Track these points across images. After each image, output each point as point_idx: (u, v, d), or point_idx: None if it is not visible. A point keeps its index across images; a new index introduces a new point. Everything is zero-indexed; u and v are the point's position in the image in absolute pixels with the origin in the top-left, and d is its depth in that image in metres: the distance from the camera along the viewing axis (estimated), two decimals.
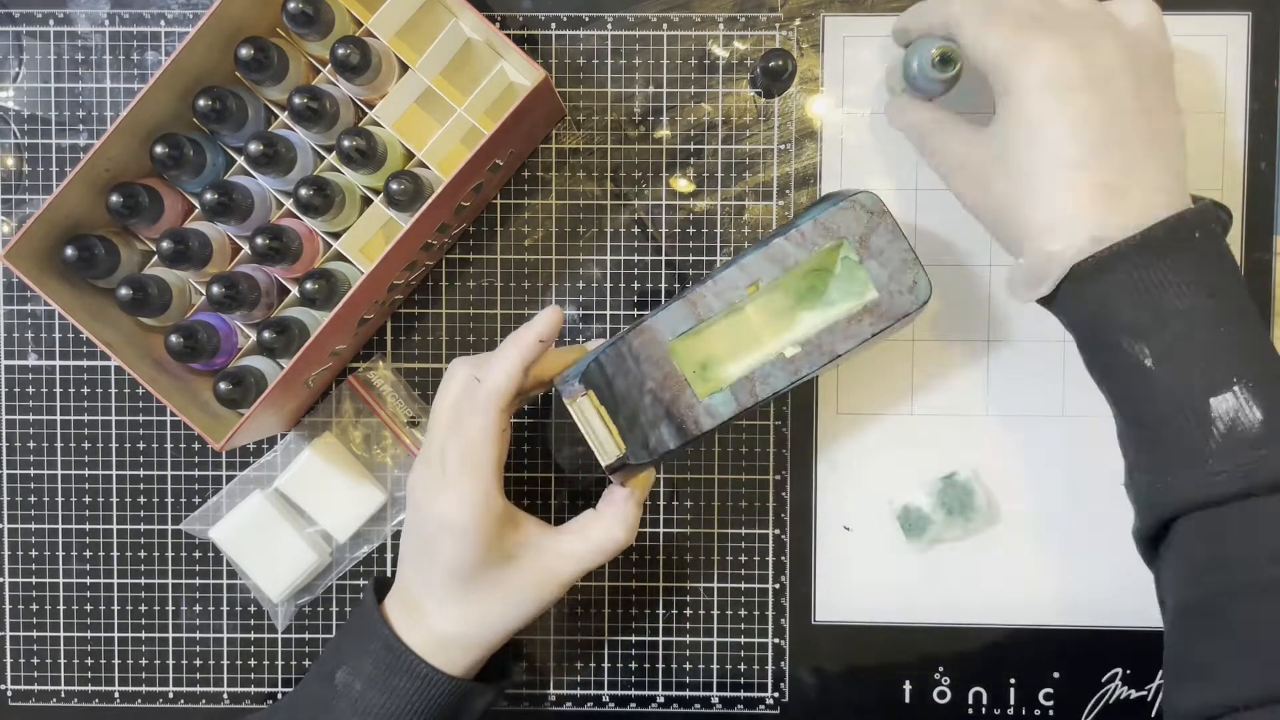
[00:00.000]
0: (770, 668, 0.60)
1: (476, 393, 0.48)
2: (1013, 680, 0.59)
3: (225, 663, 0.61)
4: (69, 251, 0.50)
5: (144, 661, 0.61)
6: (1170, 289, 0.41)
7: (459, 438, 0.48)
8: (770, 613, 0.60)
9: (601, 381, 0.48)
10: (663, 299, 0.60)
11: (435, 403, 0.50)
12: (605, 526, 0.49)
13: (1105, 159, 0.43)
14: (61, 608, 0.61)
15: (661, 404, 0.48)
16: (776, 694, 0.60)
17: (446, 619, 0.49)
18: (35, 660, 0.61)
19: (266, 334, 0.51)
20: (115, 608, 0.61)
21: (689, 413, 0.48)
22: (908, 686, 0.60)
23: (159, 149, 0.50)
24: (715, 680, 0.60)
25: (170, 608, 0.61)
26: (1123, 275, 0.42)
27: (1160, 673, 0.60)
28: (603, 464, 0.48)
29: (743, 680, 0.60)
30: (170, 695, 0.61)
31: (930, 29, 0.49)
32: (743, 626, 0.60)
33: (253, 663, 0.61)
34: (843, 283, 0.50)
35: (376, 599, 0.51)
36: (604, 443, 0.48)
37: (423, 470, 0.49)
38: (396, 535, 0.61)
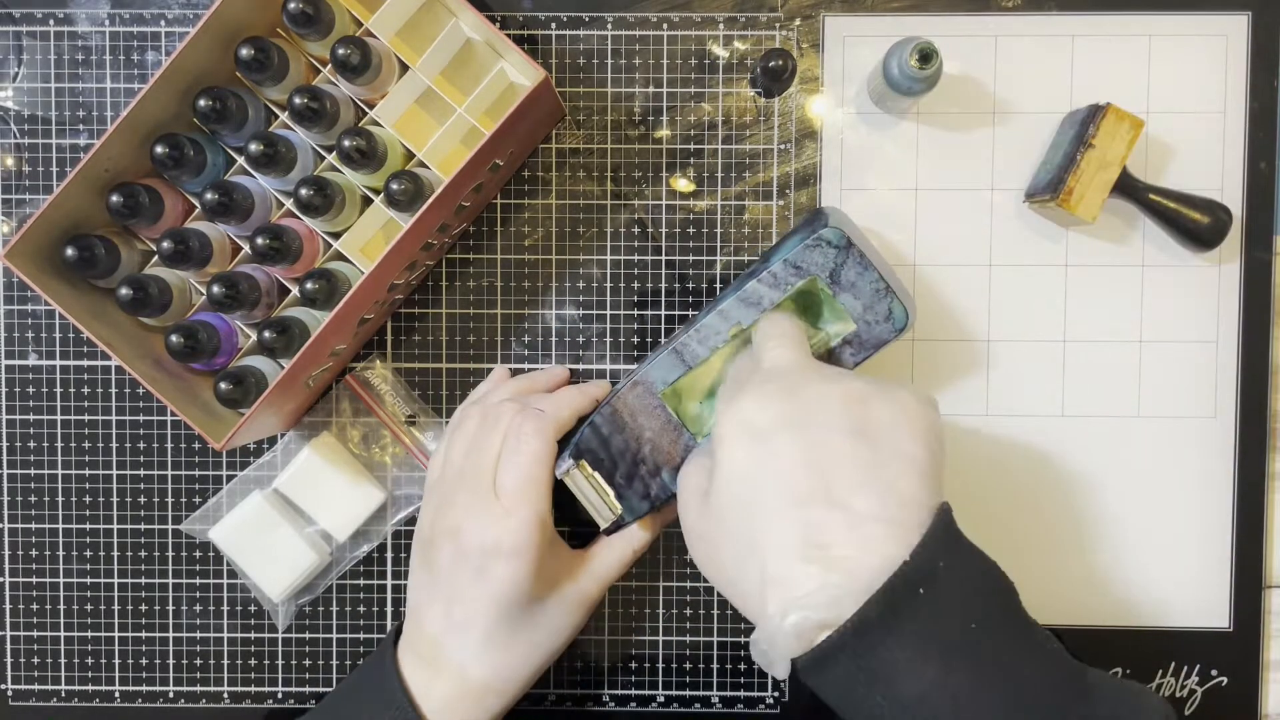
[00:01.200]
0: None
1: (540, 419, 0.49)
2: None
3: (225, 663, 0.61)
4: (69, 251, 0.50)
5: (144, 661, 0.61)
6: (902, 671, 0.35)
7: (516, 461, 0.48)
8: None
9: (597, 443, 0.49)
10: (662, 298, 0.60)
11: (477, 437, 0.51)
12: (626, 535, 0.51)
13: (805, 508, 0.38)
14: (61, 608, 0.61)
15: (661, 451, 0.49)
16: (776, 694, 0.60)
17: (484, 664, 0.47)
18: (35, 660, 0.61)
19: (266, 334, 0.51)
20: (115, 607, 0.61)
21: (688, 454, 0.49)
22: None
23: (159, 149, 0.50)
24: (715, 680, 0.60)
25: (170, 607, 0.61)
26: (846, 667, 0.36)
27: (1160, 672, 0.60)
28: (601, 528, 0.50)
29: (743, 680, 0.60)
30: (170, 695, 0.61)
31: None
32: (743, 626, 0.60)
33: (253, 663, 0.61)
34: (830, 307, 0.50)
35: (393, 643, 0.49)
36: (599, 509, 0.49)
37: (467, 499, 0.48)
38: (396, 535, 0.61)
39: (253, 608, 0.61)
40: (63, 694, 0.61)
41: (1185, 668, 0.60)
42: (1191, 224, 0.57)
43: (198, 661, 0.61)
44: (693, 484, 0.45)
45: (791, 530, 0.38)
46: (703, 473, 0.44)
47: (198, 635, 0.61)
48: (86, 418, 0.60)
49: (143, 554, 0.60)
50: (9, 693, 0.61)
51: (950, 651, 0.35)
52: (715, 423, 0.43)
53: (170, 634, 0.61)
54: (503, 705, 0.48)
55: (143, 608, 0.61)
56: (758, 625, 0.39)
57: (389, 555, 0.61)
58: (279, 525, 0.58)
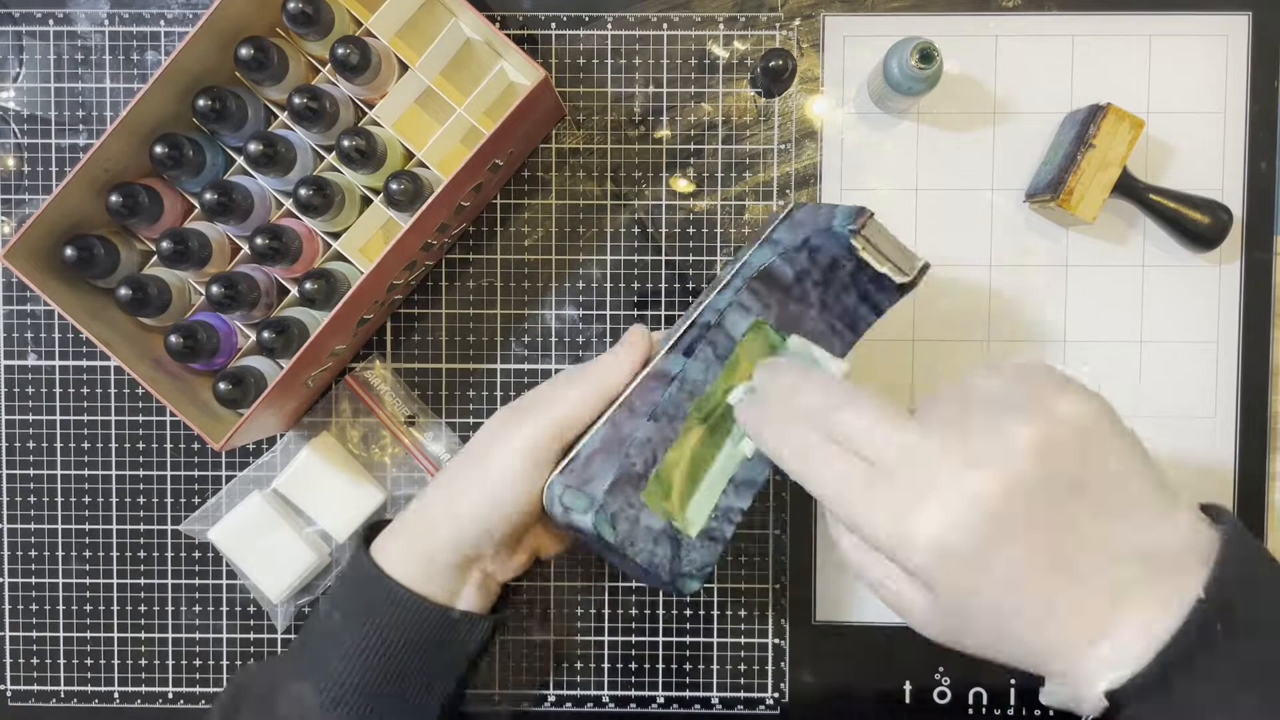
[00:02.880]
0: (770, 668, 0.60)
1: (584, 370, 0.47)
2: (1012, 680, 0.59)
3: (225, 663, 0.61)
4: (69, 251, 0.50)
5: (144, 661, 0.61)
6: (1211, 711, 0.33)
7: (550, 394, 0.47)
8: (770, 613, 0.60)
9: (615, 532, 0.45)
10: (662, 298, 0.60)
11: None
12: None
13: (1066, 602, 0.34)
14: (61, 608, 0.61)
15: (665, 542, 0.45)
16: (776, 694, 0.60)
17: (432, 496, 0.48)
18: (35, 660, 0.61)
19: (266, 334, 0.51)
20: (115, 608, 0.61)
21: (689, 553, 0.46)
22: (908, 686, 0.60)
23: (159, 149, 0.50)
24: (715, 681, 0.60)
25: (170, 608, 0.61)
26: (1151, 715, 0.33)
27: None
28: (897, 282, 0.44)
29: (743, 681, 0.60)
30: (170, 695, 0.61)
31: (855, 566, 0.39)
32: (743, 627, 0.60)
33: (252, 663, 0.61)
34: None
35: (366, 540, 0.49)
36: (900, 260, 0.44)
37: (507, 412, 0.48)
38: None
39: (252, 608, 0.61)
40: (62, 694, 0.61)
41: None
42: (1192, 224, 0.57)
43: (197, 662, 0.61)
44: (912, 615, 0.38)
45: (1062, 631, 0.34)
46: (919, 610, 0.37)
47: (197, 635, 0.61)
48: (86, 418, 0.60)
49: (142, 554, 0.60)
50: (8, 693, 0.61)
51: (1262, 679, 0.33)
52: (889, 547, 0.35)
53: (170, 634, 0.61)
54: (454, 533, 0.47)
55: (142, 608, 0.61)
56: (1050, 682, 0.36)
57: None
58: (278, 526, 0.58)
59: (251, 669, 0.51)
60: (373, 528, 0.50)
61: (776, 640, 0.60)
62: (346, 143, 0.50)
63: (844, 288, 0.46)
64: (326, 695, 0.46)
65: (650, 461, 0.44)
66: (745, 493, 0.46)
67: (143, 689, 0.61)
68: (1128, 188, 0.56)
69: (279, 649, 0.61)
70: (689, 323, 0.46)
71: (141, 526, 0.60)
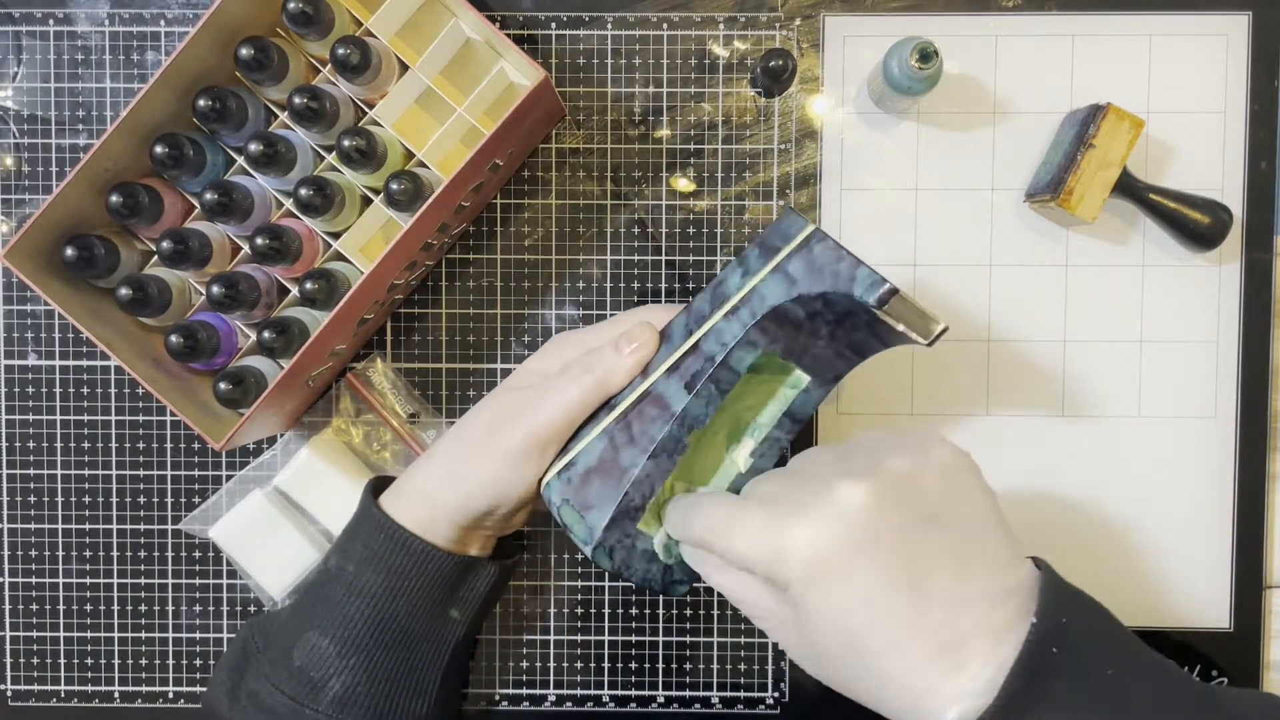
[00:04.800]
0: (770, 668, 0.60)
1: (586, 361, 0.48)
2: None
3: None
4: (69, 251, 0.50)
5: (144, 661, 0.61)
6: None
7: (551, 388, 0.48)
8: None
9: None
10: (662, 298, 0.60)
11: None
12: None
13: (918, 626, 0.36)
14: (61, 608, 0.61)
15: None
16: (776, 694, 0.60)
17: (434, 464, 0.50)
18: (35, 660, 0.61)
19: (266, 334, 0.51)
20: (115, 608, 0.61)
21: (680, 563, 0.47)
22: None
23: (159, 149, 0.50)
24: (715, 680, 0.60)
25: (170, 608, 0.61)
26: None
27: None
28: (923, 342, 0.43)
29: (743, 680, 0.60)
30: (170, 695, 0.61)
31: (691, 555, 0.44)
32: (743, 627, 0.60)
33: (255, 618, 0.60)
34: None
35: (373, 493, 0.51)
36: (920, 327, 0.43)
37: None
38: None
39: (252, 608, 0.61)
40: (62, 694, 0.61)
41: (1186, 668, 0.60)
42: (1192, 224, 0.57)
43: (197, 662, 0.61)
44: (781, 636, 0.41)
45: (914, 652, 0.36)
46: (787, 628, 0.40)
47: (197, 635, 0.61)
48: (86, 418, 0.60)
49: (142, 554, 0.60)
50: (8, 693, 0.61)
51: (1099, 702, 0.35)
52: (757, 562, 0.38)
53: (170, 634, 0.61)
54: (460, 505, 0.49)
55: (142, 608, 0.61)
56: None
57: None
58: (279, 523, 0.58)
59: (255, 624, 0.52)
60: (378, 480, 0.53)
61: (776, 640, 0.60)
62: (347, 143, 0.50)
63: (855, 328, 0.45)
64: (343, 642, 0.48)
65: (648, 494, 0.45)
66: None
67: (143, 689, 0.61)
68: (1128, 187, 0.56)
69: None
70: (692, 343, 0.46)
71: (142, 526, 0.60)
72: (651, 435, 0.45)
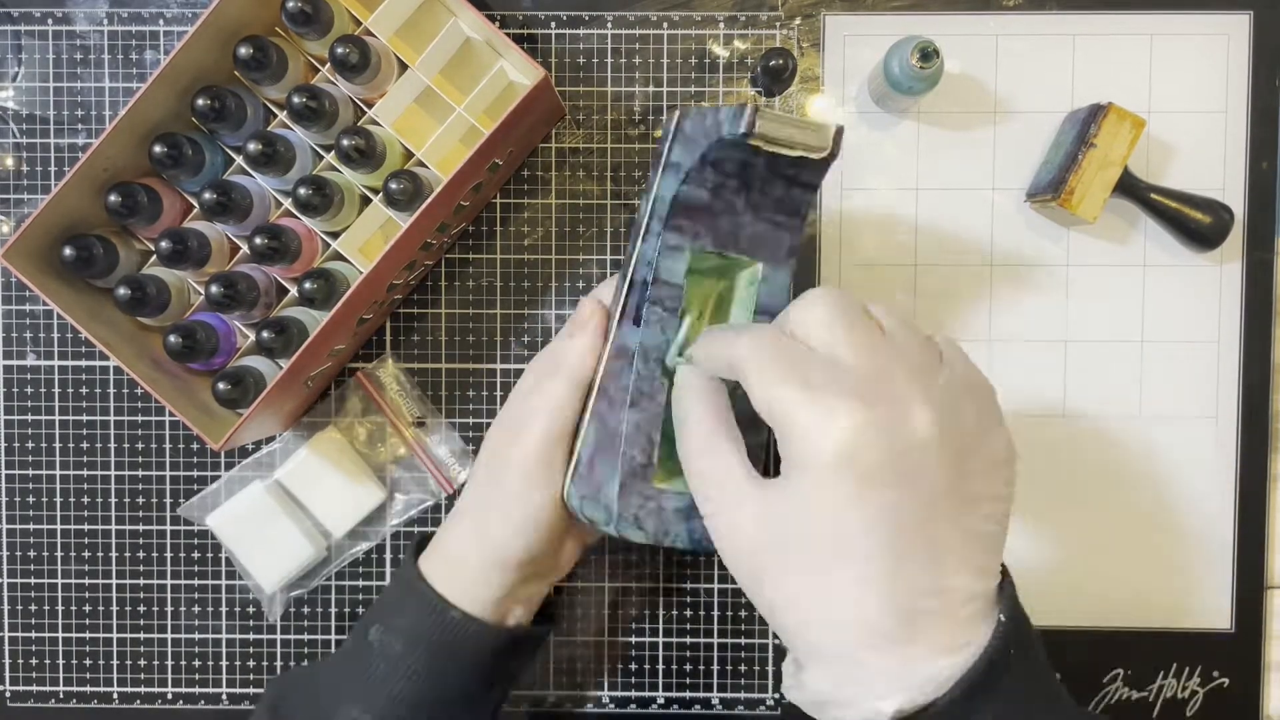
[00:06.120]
0: (770, 668, 0.60)
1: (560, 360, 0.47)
2: None
3: (224, 663, 0.61)
4: (67, 251, 0.49)
5: (143, 662, 0.61)
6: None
7: (534, 403, 0.47)
8: None
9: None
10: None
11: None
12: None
13: (908, 578, 0.34)
14: (60, 608, 0.60)
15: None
16: (777, 694, 0.60)
17: (509, 516, 0.47)
18: (34, 660, 0.60)
19: (265, 334, 0.51)
20: (114, 608, 0.60)
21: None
22: None
23: (158, 148, 0.50)
24: (715, 681, 0.60)
25: (169, 608, 0.61)
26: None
27: (1161, 673, 0.60)
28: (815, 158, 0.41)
29: (743, 681, 0.60)
30: (169, 695, 0.61)
31: (716, 370, 0.40)
32: (743, 627, 0.60)
33: (251, 663, 0.61)
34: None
35: (416, 552, 0.50)
36: (802, 139, 0.41)
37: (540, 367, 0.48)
38: (395, 535, 0.60)
39: (251, 608, 0.61)
40: (61, 695, 0.60)
41: (1187, 669, 0.60)
42: (1193, 224, 0.57)
43: (196, 662, 0.61)
44: (731, 526, 0.37)
45: (876, 606, 0.34)
46: (745, 517, 0.36)
47: (196, 636, 0.61)
48: (85, 418, 0.60)
49: (141, 554, 0.60)
50: (8, 693, 0.60)
51: (1043, 711, 0.36)
52: (787, 419, 0.34)
53: (169, 634, 0.61)
54: (496, 558, 0.47)
55: (141, 608, 0.61)
56: (812, 681, 0.36)
57: (388, 556, 0.61)
58: (277, 516, 0.58)
59: (281, 686, 0.51)
60: (421, 543, 0.51)
61: (776, 640, 0.60)
62: (346, 142, 0.50)
63: (765, 181, 0.43)
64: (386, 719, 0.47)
65: (648, 446, 0.43)
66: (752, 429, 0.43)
67: (143, 689, 0.61)
68: (1129, 187, 0.56)
69: (276, 646, 0.60)
70: (627, 281, 0.44)
71: (140, 527, 0.60)
72: (624, 385, 0.43)
